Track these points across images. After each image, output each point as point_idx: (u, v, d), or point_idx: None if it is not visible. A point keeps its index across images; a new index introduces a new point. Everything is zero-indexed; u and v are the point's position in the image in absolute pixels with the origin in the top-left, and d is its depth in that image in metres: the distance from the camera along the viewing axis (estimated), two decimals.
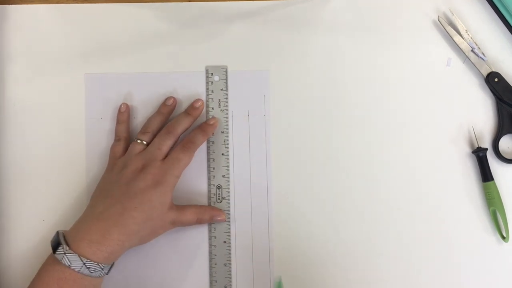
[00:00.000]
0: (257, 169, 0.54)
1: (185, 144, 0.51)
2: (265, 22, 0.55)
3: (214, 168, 0.54)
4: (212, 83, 0.55)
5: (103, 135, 0.54)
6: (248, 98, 0.55)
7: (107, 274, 0.47)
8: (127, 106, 0.54)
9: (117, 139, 0.53)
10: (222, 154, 0.54)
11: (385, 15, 0.56)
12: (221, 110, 0.54)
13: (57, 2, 0.55)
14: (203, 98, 0.54)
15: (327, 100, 0.55)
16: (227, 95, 0.55)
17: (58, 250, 0.45)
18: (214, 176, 0.54)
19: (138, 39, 0.55)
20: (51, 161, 0.54)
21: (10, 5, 0.55)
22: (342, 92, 0.55)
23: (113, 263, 0.48)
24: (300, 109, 0.55)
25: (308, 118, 0.55)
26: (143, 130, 0.52)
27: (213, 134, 0.54)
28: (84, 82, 0.54)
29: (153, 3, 0.55)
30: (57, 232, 0.47)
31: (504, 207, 0.53)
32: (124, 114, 0.53)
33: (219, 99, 0.55)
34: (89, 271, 0.44)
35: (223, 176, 0.54)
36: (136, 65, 0.55)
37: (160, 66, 0.55)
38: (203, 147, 0.54)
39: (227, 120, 0.54)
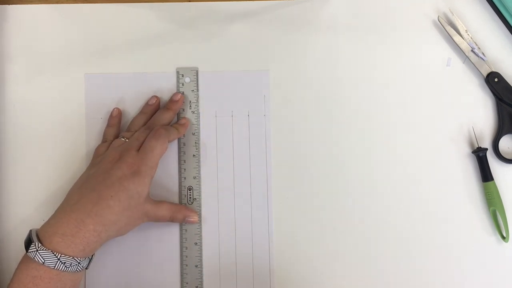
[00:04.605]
0: (257, 169, 0.54)
1: (156, 130, 0.50)
2: (265, 22, 0.55)
3: (185, 169, 0.54)
4: (182, 84, 0.54)
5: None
6: (248, 98, 0.55)
7: (86, 268, 0.46)
8: (119, 111, 0.53)
9: (103, 140, 0.53)
10: (193, 155, 0.54)
11: (385, 15, 0.56)
12: (192, 111, 0.54)
13: (57, 2, 0.55)
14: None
15: (327, 100, 0.55)
16: (198, 97, 0.54)
17: (30, 247, 0.43)
18: (184, 178, 0.54)
19: (138, 39, 0.55)
20: (51, 161, 0.54)
21: (10, 5, 0.55)
22: (342, 92, 0.55)
23: (92, 256, 0.47)
24: (300, 109, 0.55)
25: (308, 118, 0.55)
26: (127, 129, 0.53)
27: (183, 135, 0.54)
28: (84, 82, 0.54)
29: (154, 3, 0.55)
30: (30, 231, 0.45)
31: (504, 207, 0.53)
32: (115, 118, 0.53)
33: (190, 101, 0.54)
34: (65, 266, 0.43)
35: (194, 177, 0.54)
36: (136, 65, 0.55)
37: (160, 66, 0.55)
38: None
39: (198, 122, 0.54)
